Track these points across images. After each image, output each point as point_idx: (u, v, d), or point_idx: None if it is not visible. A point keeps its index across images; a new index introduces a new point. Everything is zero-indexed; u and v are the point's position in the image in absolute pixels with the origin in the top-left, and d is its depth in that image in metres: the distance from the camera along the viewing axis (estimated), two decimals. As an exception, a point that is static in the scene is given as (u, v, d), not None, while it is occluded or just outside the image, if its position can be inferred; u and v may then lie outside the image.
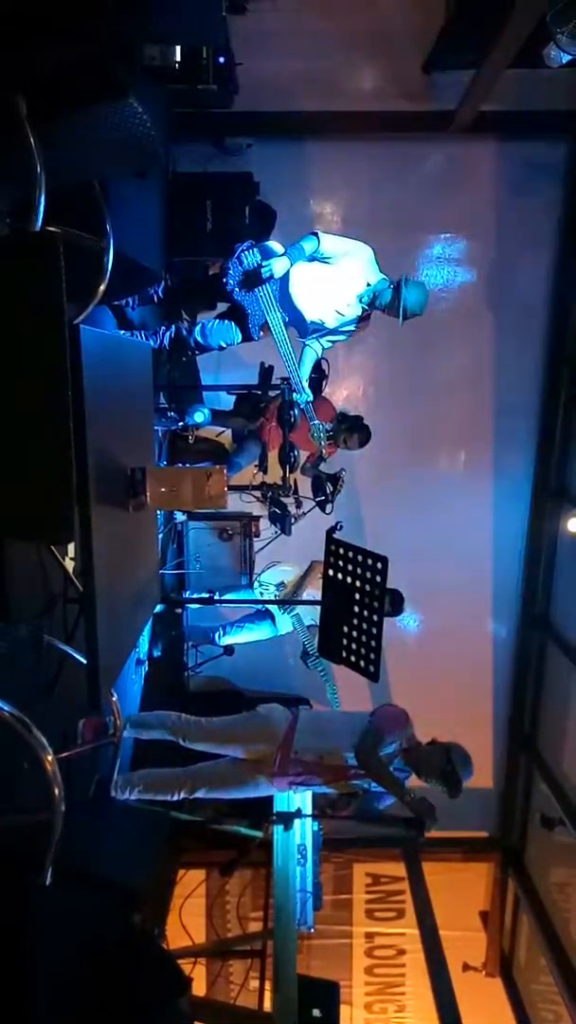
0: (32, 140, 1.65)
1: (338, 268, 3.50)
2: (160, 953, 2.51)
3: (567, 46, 3.25)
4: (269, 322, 3.56)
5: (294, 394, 3.76)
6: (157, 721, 3.61)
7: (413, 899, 5.61)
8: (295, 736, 3.37)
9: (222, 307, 3.81)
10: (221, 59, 4.30)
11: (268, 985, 3.80)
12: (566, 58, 3.39)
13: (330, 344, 3.87)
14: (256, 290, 3.49)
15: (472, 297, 5.53)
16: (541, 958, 5.38)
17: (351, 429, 4.36)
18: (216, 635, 5.09)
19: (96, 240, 2.28)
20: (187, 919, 5.18)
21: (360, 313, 3.63)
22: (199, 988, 5.10)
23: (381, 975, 6.36)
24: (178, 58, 3.98)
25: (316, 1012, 3.53)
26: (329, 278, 3.52)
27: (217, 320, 3.74)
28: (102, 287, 2.33)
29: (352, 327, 3.72)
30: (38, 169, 1.68)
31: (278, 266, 3.37)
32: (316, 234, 3.43)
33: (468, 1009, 4.67)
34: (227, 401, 4.64)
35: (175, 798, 3.41)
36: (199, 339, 3.77)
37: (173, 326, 3.84)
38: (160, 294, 3.81)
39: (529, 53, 3.97)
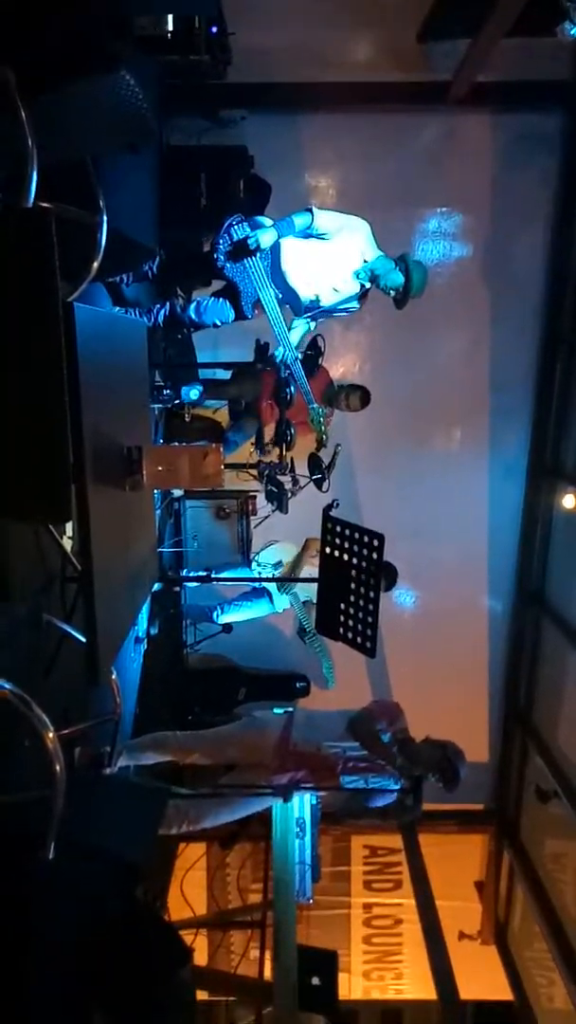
0: (23, 114, 1.62)
1: (334, 244, 3.46)
2: (162, 924, 2.55)
3: None
4: (262, 299, 3.53)
5: (277, 348, 3.71)
6: (152, 742, 3.58)
7: (410, 870, 5.70)
8: (292, 730, 3.43)
9: (218, 285, 3.77)
10: (214, 29, 4.23)
11: (268, 955, 3.88)
12: None
13: (321, 319, 3.83)
14: (246, 264, 3.44)
15: (468, 272, 5.49)
16: (535, 926, 5.49)
17: (352, 387, 4.35)
18: (215, 613, 5.12)
19: (89, 216, 2.25)
20: (188, 891, 5.27)
21: (359, 291, 3.59)
22: (200, 958, 5.21)
23: (379, 944, 6.48)
24: (170, 28, 3.91)
25: (315, 980, 3.60)
26: (324, 254, 3.48)
27: (212, 298, 3.70)
28: (96, 264, 2.30)
29: (355, 304, 3.68)
30: (29, 144, 1.65)
31: (265, 238, 3.33)
32: (311, 209, 3.38)
33: (464, 976, 4.76)
34: (223, 378, 4.62)
35: (175, 832, 3.42)
36: (193, 317, 3.75)
37: (168, 304, 3.80)
38: (155, 270, 3.77)
39: (526, 21, 3.91)
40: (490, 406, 5.67)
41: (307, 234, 3.44)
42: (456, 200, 5.40)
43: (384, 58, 5.03)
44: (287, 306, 3.65)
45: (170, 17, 3.82)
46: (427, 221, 5.44)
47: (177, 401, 3.95)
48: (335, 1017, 3.76)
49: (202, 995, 4.70)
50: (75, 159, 2.11)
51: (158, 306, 3.81)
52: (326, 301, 3.61)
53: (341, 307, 3.67)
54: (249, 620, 5.18)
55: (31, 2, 1.57)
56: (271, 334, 3.72)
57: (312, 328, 3.89)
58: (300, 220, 3.36)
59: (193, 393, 3.94)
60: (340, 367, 5.53)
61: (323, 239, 3.45)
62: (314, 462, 4.16)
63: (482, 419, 5.69)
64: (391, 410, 5.37)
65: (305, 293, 3.59)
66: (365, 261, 3.50)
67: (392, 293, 3.55)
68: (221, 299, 3.67)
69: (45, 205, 1.78)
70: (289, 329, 3.72)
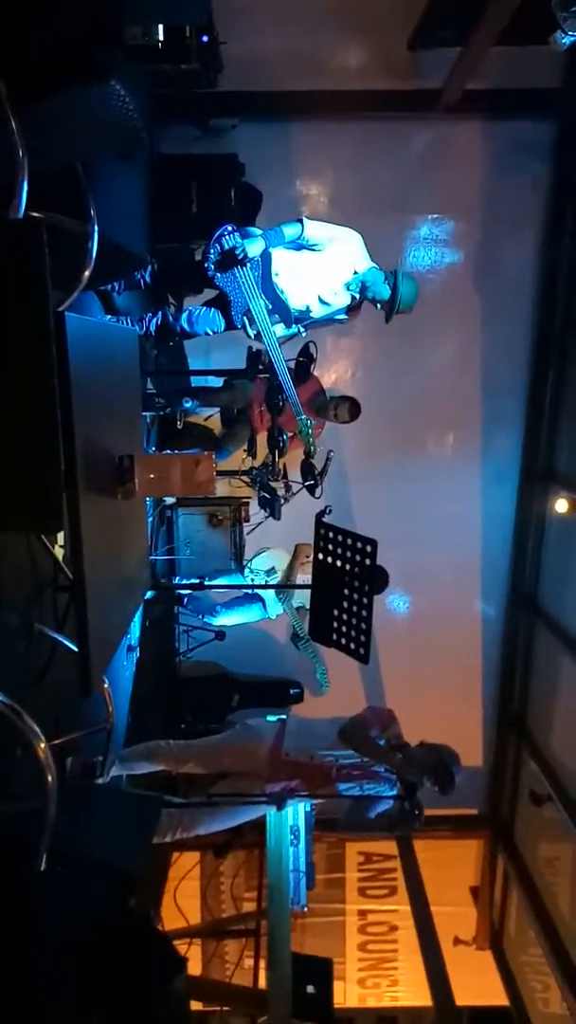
0: (13, 123, 1.62)
1: (325, 255, 3.45)
2: (155, 934, 2.54)
3: (572, 28, 3.23)
4: (252, 309, 3.53)
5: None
6: (145, 751, 3.56)
7: (404, 876, 5.69)
8: (284, 739, 3.42)
9: (210, 294, 3.77)
10: (205, 38, 4.24)
11: (263, 963, 3.86)
12: (570, 40, 3.38)
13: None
14: (235, 274, 3.44)
15: (459, 278, 5.51)
16: (530, 931, 5.49)
17: (342, 398, 4.37)
18: (207, 616, 5.12)
19: (80, 225, 2.25)
20: (182, 901, 5.25)
21: (349, 302, 3.60)
22: (194, 968, 5.18)
23: (374, 951, 6.47)
24: (161, 37, 3.92)
25: (310, 988, 3.59)
26: (315, 265, 3.47)
27: (203, 307, 3.70)
28: (87, 273, 2.30)
29: (342, 316, 3.68)
30: (20, 153, 1.65)
31: (253, 248, 3.32)
32: (301, 220, 3.37)
33: (459, 982, 4.76)
34: (215, 385, 4.62)
35: (168, 839, 3.41)
36: (185, 326, 3.74)
37: (159, 312, 3.80)
38: (146, 279, 3.77)
39: (517, 30, 3.93)
40: (482, 411, 5.68)
41: (298, 245, 3.44)
42: (447, 207, 5.42)
43: (375, 66, 5.05)
44: (276, 315, 3.64)
45: (161, 27, 3.83)
46: (418, 228, 5.46)
47: (169, 409, 3.95)
48: (330, 1025, 3.74)
49: (196, 1005, 4.67)
50: (65, 167, 2.11)
51: (150, 315, 3.80)
52: (316, 312, 3.61)
53: (333, 318, 3.67)
54: (242, 625, 5.17)
55: (22, 12, 1.58)
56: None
57: (304, 333, 3.89)
58: (290, 230, 3.35)
59: (188, 404, 3.96)
60: (332, 374, 5.54)
61: (314, 250, 3.45)
62: (307, 468, 4.16)
63: (474, 424, 5.71)
64: (384, 416, 5.38)
65: (295, 304, 3.58)
66: (356, 272, 3.50)
67: (379, 306, 3.56)
68: (212, 309, 3.66)
69: (36, 215, 1.78)
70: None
